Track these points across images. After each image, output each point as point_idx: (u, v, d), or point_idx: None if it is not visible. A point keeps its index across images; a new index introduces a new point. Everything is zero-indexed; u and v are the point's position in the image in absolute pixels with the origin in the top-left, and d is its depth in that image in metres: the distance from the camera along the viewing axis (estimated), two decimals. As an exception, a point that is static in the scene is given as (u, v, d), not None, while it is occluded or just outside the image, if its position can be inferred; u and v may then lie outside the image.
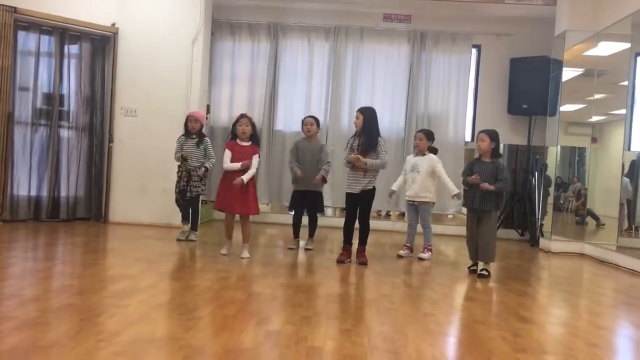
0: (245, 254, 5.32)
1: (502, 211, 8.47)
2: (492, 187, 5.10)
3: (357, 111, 5.54)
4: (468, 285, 4.89)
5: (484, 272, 5.17)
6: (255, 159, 5.28)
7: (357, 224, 5.51)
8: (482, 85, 8.71)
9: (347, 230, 5.49)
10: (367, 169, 5.32)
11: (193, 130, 6.18)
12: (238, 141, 5.31)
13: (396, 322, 3.43)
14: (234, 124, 5.37)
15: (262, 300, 3.74)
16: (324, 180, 5.98)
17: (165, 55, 7.40)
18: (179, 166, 6.21)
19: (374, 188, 5.44)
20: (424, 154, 6.05)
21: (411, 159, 6.14)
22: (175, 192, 6.24)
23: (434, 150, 6.12)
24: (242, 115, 5.39)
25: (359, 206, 5.46)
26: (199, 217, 6.43)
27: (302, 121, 6.19)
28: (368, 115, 5.40)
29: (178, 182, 6.20)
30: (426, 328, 3.33)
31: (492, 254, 5.20)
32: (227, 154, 5.27)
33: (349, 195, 5.46)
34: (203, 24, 7.49)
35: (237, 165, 5.18)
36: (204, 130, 6.40)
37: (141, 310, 3.31)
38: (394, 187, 6.18)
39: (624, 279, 5.75)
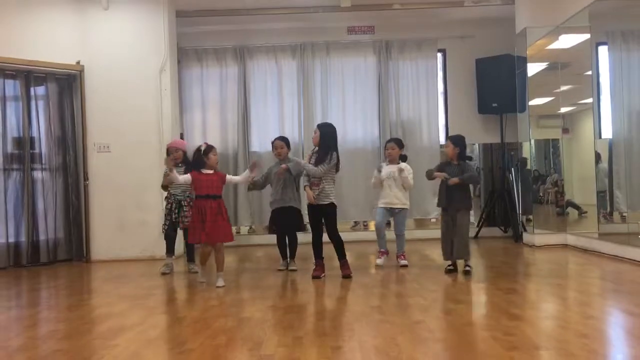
0: (221, 282, 5.19)
1: (483, 210, 8.56)
2: (457, 180, 5.36)
3: (316, 127, 5.64)
4: (456, 288, 4.91)
5: (468, 269, 5.37)
6: (230, 178, 5.50)
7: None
8: (451, 88, 8.82)
9: (316, 245, 5.51)
10: (318, 183, 5.37)
11: (178, 159, 6.08)
12: (203, 170, 5.25)
13: (387, 334, 3.42)
14: (201, 154, 5.26)
15: (252, 325, 3.71)
16: (288, 171, 5.86)
17: (134, 88, 7.38)
18: (166, 198, 6.07)
19: (332, 204, 5.44)
20: (397, 163, 6.10)
21: (385, 167, 6.18)
22: (165, 223, 6.01)
23: (403, 157, 6.20)
24: (212, 146, 5.35)
25: (323, 222, 5.49)
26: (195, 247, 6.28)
27: (272, 144, 6.16)
28: (324, 131, 5.48)
29: (168, 214, 5.99)
30: (418, 336, 3.33)
31: (467, 251, 5.41)
32: (188, 175, 5.31)
33: (308, 207, 5.55)
34: (169, 53, 7.49)
35: (187, 176, 5.27)
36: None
37: (130, 348, 3.27)
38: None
39: (608, 265, 5.82)
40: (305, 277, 5.58)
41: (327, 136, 5.47)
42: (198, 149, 5.33)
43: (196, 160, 5.32)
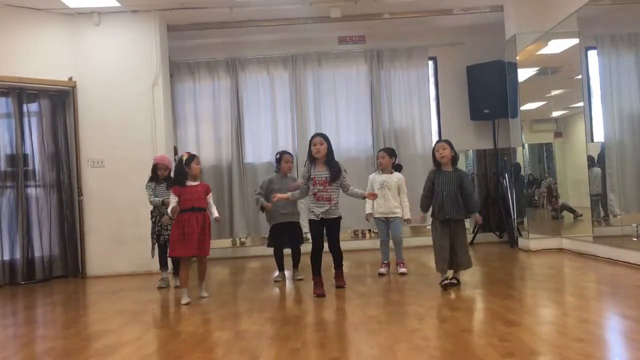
0: (205, 292, 5.26)
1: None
2: (480, 219, 5.62)
3: (319, 136, 5.30)
4: (453, 295, 4.90)
5: (454, 281, 5.18)
6: (210, 198, 5.25)
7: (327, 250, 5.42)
8: (443, 95, 8.87)
9: (316, 261, 5.21)
10: (330, 198, 5.20)
11: (162, 177, 6.12)
12: (188, 182, 5.09)
13: (384, 343, 3.42)
14: (183, 165, 5.09)
15: (249, 338, 3.70)
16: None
17: (126, 103, 7.39)
18: (152, 212, 6.14)
19: (340, 216, 5.33)
20: (390, 172, 6.12)
21: (377, 177, 6.17)
22: (153, 238, 6.14)
23: (398, 167, 6.21)
24: (194, 155, 5.20)
25: (327, 234, 5.31)
26: None
27: (282, 158, 6.06)
28: (329, 142, 5.29)
29: (153, 227, 6.12)
30: (414, 344, 3.33)
31: (471, 261, 5.27)
32: (174, 198, 5.03)
33: (313, 222, 5.23)
34: (161, 67, 7.51)
35: (174, 202, 5.00)
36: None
37: (127, 364, 3.26)
38: (369, 209, 6.14)
39: (604, 269, 5.83)
40: (301, 288, 5.58)
41: (331, 147, 5.30)
42: (180, 160, 5.18)
43: (178, 171, 5.15)
